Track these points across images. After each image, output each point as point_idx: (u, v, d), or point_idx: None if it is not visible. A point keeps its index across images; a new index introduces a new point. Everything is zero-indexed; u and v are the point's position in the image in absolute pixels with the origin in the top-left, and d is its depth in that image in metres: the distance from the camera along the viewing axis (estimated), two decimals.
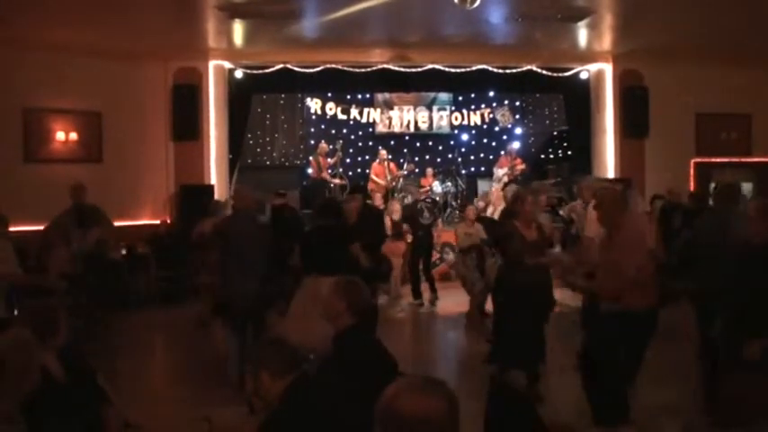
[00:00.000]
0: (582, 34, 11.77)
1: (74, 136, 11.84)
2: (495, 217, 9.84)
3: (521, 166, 14.25)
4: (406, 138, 16.33)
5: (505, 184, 13.50)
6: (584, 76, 13.79)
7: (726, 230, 5.43)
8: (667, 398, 6.03)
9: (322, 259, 6.37)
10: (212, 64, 12.80)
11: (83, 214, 8.82)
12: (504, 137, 16.26)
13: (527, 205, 6.37)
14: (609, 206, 5.22)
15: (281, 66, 12.89)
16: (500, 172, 14.16)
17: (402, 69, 13.25)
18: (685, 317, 6.62)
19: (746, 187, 13.33)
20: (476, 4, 8.09)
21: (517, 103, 16.54)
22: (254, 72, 13.05)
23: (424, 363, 7.68)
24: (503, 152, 14.91)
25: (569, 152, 15.22)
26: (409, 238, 10.96)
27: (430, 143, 16.63)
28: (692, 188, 13.13)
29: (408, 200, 14.09)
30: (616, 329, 4.93)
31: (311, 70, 13.00)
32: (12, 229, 7.40)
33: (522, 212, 6.40)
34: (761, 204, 4.92)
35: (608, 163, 13.56)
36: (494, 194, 12.62)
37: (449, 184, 14.58)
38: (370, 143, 16.19)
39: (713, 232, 5.70)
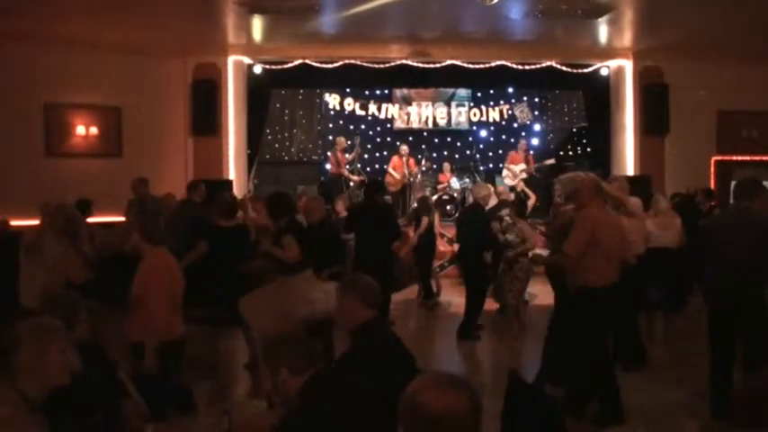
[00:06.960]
0: (602, 30, 11.68)
1: (94, 131, 11.96)
2: None
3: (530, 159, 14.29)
4: (425, 134, 16.30)
5: (524, 180, 13.48)
6: (603, 72, 13.69)
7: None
8: (682, 398, 5.99)
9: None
10: (231, 59, 12.85)
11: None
12: (523, 133, 16.18)
13: None
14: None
15: (299, 61, 12.91)
16: (516, 168, 14.03)
17: (421, 65, 13.23)
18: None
19: None
20: (495, 0, 8.06)
21: (536, 100, 16.44)
22: (273, 67, 13.08)
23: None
24: (514, 150, 14.67)
25: (588, 149, 15.16)
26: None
27: (448, 139, 16.57)
28: (712, 186, 13.01)
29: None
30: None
31: (330, 66, 13.01)
32: (33, 222, 7.47)
33: None
34: None
35: (627, 160, 13.46)
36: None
37: (467, 180, 14.58)
38: (389, 139, 16.17)
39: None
